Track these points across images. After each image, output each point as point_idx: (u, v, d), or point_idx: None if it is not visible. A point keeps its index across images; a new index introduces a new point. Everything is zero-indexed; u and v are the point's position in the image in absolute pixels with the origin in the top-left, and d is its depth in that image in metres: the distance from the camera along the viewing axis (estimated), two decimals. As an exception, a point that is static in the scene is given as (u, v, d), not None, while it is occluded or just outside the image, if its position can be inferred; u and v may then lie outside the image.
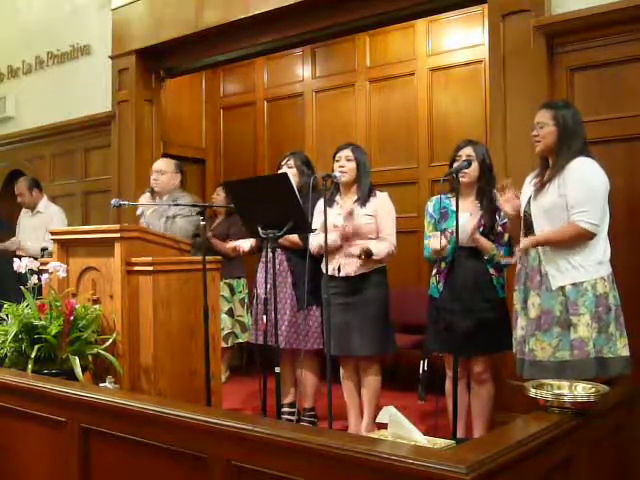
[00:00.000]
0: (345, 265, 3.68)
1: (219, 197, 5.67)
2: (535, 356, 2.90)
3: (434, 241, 3.41)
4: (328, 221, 3.42)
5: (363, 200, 3.72)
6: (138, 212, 4.63)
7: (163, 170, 4.53)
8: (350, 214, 3.68)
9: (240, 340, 5.48)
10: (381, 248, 3.63)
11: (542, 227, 2.95)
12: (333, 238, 3.61)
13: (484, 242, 3.43)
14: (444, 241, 3.38)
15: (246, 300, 5.51)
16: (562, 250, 2.87)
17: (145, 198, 4.56)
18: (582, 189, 2.83)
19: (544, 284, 2.91)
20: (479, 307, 3.41)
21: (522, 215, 3.05)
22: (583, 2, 3.74)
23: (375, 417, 3.40)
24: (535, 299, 2.94)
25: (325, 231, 3.37)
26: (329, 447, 1.93)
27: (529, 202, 3.02)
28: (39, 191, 5.85)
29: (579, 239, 2.85)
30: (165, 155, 6.19)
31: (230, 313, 5.41)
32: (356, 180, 3.76)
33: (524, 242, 2.99)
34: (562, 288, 2.86)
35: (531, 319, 2.94)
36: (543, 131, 2.95)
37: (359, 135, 6.00)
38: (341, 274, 3.69)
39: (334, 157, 3.80)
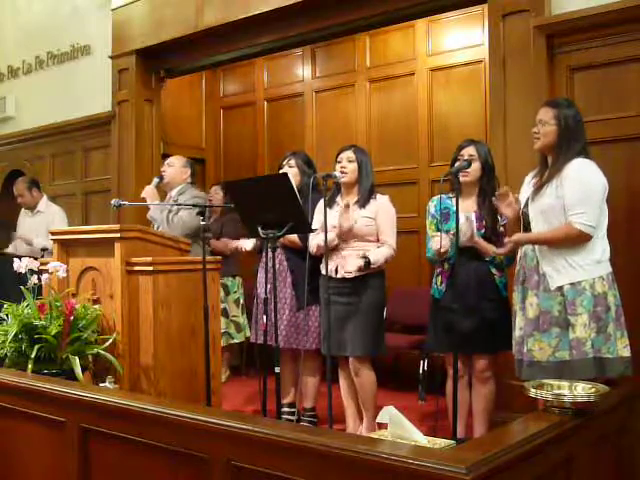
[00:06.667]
0: (342, 266, 3.67)
1: (217, 196, 5.68)
2: (533, 357, 2.90)
3: (435, 242, 3.41)
4: (328, 222, 3.42)
5: (363, 201, 3.71)
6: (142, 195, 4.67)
7: (171, 163, 4.76)
8: (346, 207, 3.64)
9: (235, 340, 5.46)
10: (380, 255, 3.62)
11: (539, 228, 2.94)
12: (331, 237, 3.61)
13: (484, 245, 3.42)
14: (446, 242, 3.36)
15: (241, 300, 5.49)
16: (560, 250, 2.86)
17: (150, 187, 4.63)
18: (579, 190, 2.82)
19: (542, 284, 2.90)
20: (482, 306, 3.41)
21: (520, 216, 3.05)
22: (583, 2, 3.74)
23: (375, 416, 3.39)
24: (533, 299, 2.93)
25: (325, 231, 3.37)
26: (329, 447, 1.93)
27: (527, 203, 3.01)
28: (38, 191, 5.86)
29: (574, 240, 2.84)
30: (165, 155, 6.19)
31: (224, 313, 5.39)
32: (357, 181, 3.75)
33: (518, 235, 2.98)
34: (560, 288, 2.85)
35: (529, 319, 2.93)
36: (544, 129, 2.95)
37: (359, 135, 6.00)
38: (338, 275, 3.69)
39: (337, 158, 3.80)
